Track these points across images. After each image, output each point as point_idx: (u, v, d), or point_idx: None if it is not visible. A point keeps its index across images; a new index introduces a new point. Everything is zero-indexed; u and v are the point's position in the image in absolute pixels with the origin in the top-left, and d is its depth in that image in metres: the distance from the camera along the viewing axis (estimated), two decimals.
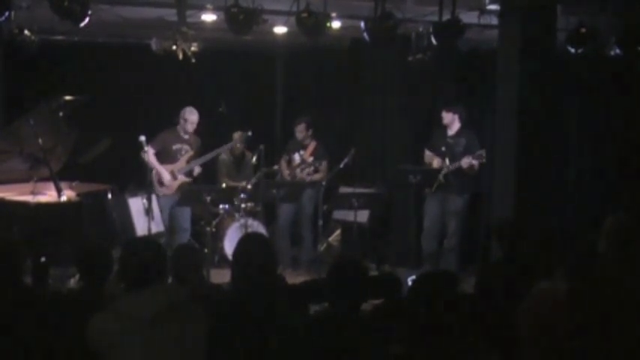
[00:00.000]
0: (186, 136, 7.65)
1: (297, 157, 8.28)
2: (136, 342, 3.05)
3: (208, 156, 7.74)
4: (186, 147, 7.66)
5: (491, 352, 3.27)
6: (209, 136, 8.13)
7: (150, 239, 3.73)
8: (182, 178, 7.63)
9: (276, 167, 8.47)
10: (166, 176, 7.49)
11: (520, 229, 4.97)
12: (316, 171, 8.13)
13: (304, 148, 8.27)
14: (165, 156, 7.53)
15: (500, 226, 5.11)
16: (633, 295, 3.43)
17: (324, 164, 8.16)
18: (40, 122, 6.43)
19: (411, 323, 3.30)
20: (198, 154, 7.72)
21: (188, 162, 7.64)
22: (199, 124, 7.65)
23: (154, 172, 7.52)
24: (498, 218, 6.46)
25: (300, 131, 8.24)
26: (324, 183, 7.92)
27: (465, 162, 7.20)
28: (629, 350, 3.25)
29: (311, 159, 8.19)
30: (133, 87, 8.97)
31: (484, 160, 7.18)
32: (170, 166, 7.55)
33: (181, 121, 7.58)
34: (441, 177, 7.32)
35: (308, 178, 8.09)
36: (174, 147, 7.58)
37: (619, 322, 3.28)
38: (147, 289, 3.15)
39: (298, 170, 8.18)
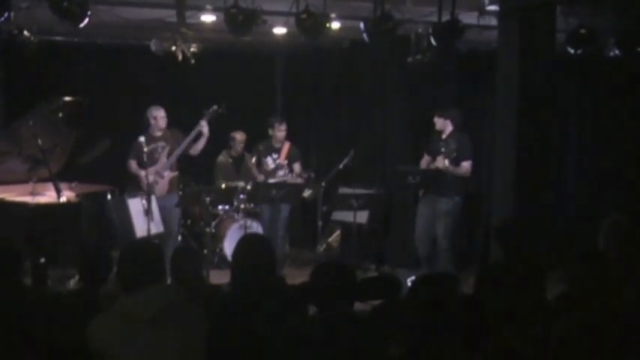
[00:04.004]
0: (159, 134, 7.60)
1: (270, 161, 8.11)
2: (135, 343, 3.05)
3: (184, 143, 7.58)
4: (161, 144, 7.60)
5: (491, 352, 3.27)
6: (209, 137, 8.10)
7: (147, 241, 3.73)
8: (168, 175, 7.59)
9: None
10: (151, 178, 7.41)
11: (520, 229, 4.97)
12: (291, 170, 8.06)
13: (277, 151, 8.13)
14: (147, 160, 7.41)
15: (501, 226, 5.11)
16: (633, 295, 3.43)
17: (297, 165, 8.09)
18: (40, 123, 6.43)
19: (410, 324, 3.30)
20: (178, 144, 7.61)
21: (168, 156, 7.58)
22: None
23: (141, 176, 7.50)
24: (499, 219, 6.46)
25: (284, 130, 8.09)
26: (323, 184, 7.91)
27: (440, 162, 7.22)
28: (630, 350, 3.26)
29: (286, 162, 8.11)
30: (132, 88, 8.97)
31: (454, 154, 7.18)
32: (153, 168, 7.49)
33: (152, 122, 7.55)
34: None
35: (292, 182, 8.02)
36: (149, 148, 7.46)
37: (619, 322, 3.28)
38: (145, 290, 3.14)
39: (275, 175, 8.08)
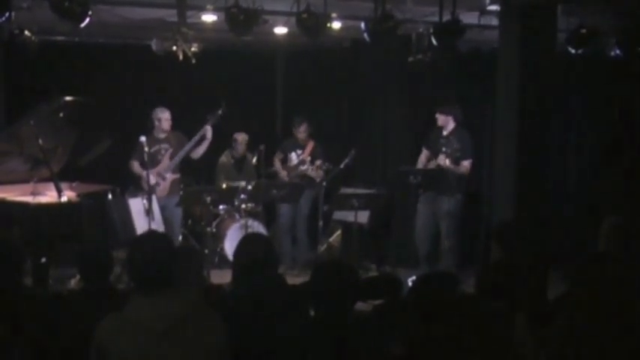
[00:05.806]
0: (163, 135, 7.67)
1: (294, 157, 8.35)
2: (146, 351, 2.89)
3: (188, 146, 7.67)
4: (164, 146, 7.67)
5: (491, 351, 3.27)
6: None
7: (166, 236, 3.42)
8: (170, 177, 7.66)
9: (274, 169, 8.46)
10: (153, 179, 7.42)
11: (520, 230, 4.96)
12: (312, 164, 8.21)
13: (302, 147, 8.34)
14: (148, 161, 7.39)
15: (500, 228, 5.10)
16: (633, 295, 3.43)
17: (319, 162, 8.22)
18: (41, 123, 6.43)
19: (411, 324, 3.30)
20: (182, 146, 7.70)
21: (171, 159, 7.65)
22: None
23: (143, 177, 7.50)
24: (498, 220, 6.45)
25: (304, 131, 8.31)
26: (324, 184, 7.92)
27: (441, 160, 7.22)
28: (630, 350, 3.26)
29: (309, 158, 8.26)
30: (133, 88, 8.98)
31: (457, 154, 7.21)
32: (155, 169, 7.52)
33: (156, 123, 7.63)
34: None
35: (314, 174, 8.12)
36: (152, 150, 7.54)
37: (620, 322, 3.28)
38: (162, 296, 2.94)
39: (297, 170, 8.23)
